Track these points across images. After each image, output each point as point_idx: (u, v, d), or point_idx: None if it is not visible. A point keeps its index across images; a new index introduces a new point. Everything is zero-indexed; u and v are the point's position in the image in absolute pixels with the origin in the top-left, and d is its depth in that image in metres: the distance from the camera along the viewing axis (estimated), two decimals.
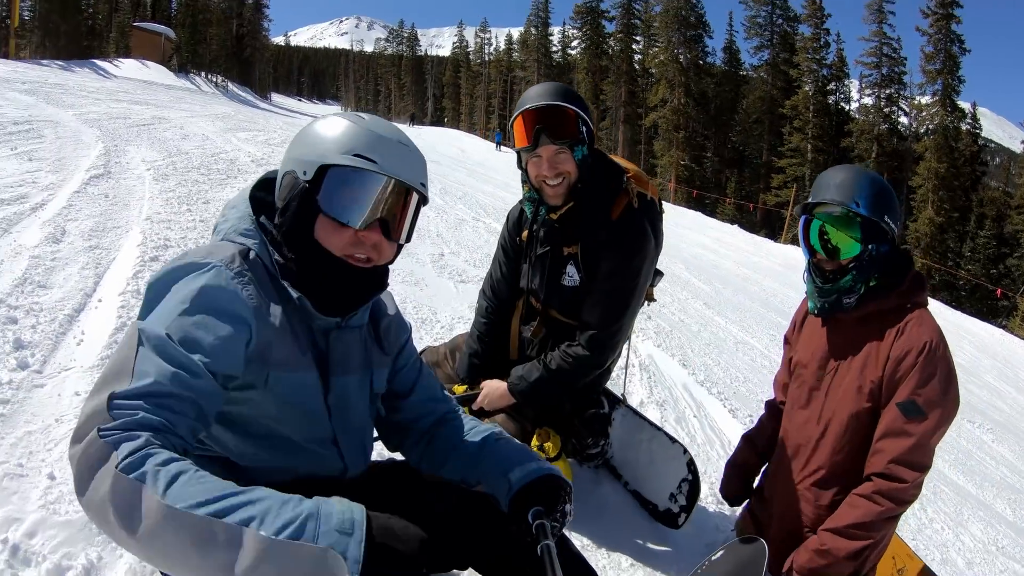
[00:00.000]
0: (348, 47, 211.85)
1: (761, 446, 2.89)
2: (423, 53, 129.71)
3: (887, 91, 46.38)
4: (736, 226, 28.31)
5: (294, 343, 1.66)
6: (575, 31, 63.16)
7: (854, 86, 49.74)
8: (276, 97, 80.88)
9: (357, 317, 1.81)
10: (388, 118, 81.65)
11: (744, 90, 53.05)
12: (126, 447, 1.17)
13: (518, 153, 2.90)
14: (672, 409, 4.85)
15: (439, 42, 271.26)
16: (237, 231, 1.71)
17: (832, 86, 48.48)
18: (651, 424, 3.38)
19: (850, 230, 2.34)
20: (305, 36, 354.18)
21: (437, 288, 6.35)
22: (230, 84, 57.22)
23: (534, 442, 2.98)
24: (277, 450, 1.70)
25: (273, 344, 1.60)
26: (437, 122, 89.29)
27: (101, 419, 1.22)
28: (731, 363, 6.73)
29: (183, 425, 1.32)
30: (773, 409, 2.89)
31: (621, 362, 3.35)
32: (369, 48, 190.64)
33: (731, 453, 3.05)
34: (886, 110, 46.25)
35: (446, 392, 2.14)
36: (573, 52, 65.07)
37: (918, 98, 45.87)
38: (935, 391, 2.26)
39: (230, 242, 1.68)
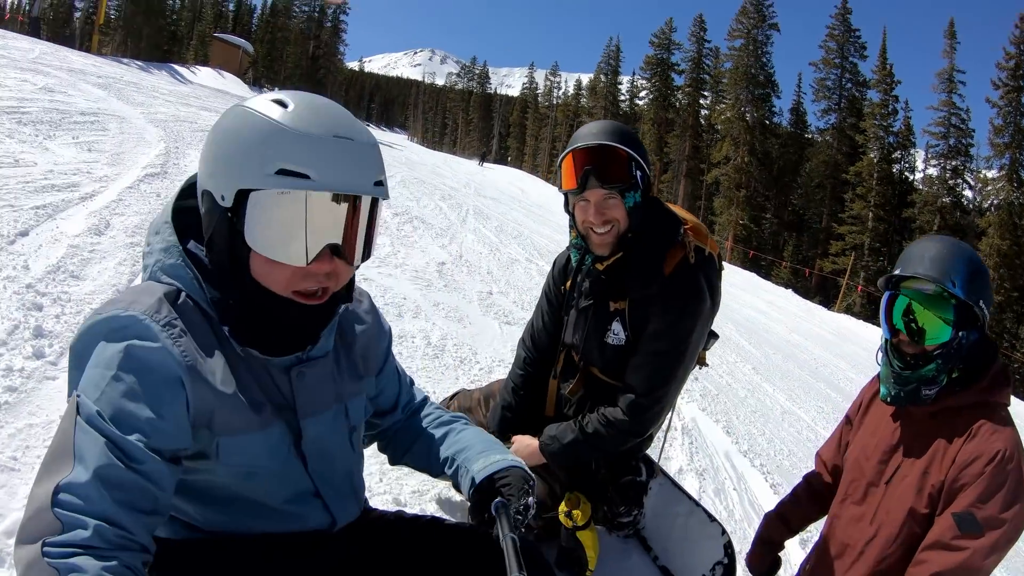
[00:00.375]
0: (420, 78, 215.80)
1: (795, 524, 2.65)
2: (492, 91, 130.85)
3: (953, 162, 44.81)
4: (790, 290, 27.76)
5: (245, 400, 1.40)
6: (644, 81, 63.24)
7: (919, 155, 48.49)
8: None
9: (320, 345, 1.53)
10: (453, 152, 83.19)
11: (808, 153, 52.22)
12: None
13: (565, 196, 2.71)
14: (712, 479, 4.61)
15: (509, 81, 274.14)
16: (163, 268, 1.40)
17: (897, 154, 47.18)
18: (689, 498, 3.17)
19: (942, 312, 2.05)
20: (379, 63, 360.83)
21: (481, 327, 6.20)
22: None
23: (562, 507, 2.78)
24: (248, 515, 1.49)
25: (215, 407, 1.35)
26: (500, 160, 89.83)
27: (47, 521, 1.13)
28: (776, 434, 6.44)
29: (138, 526, 1.20)
30: (811, 485, 2.62)
31: (665, 426, 3.17)
32: (440, 81, 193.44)
33: (760, 527, 2.78)
34: (951, 182, 44.66)
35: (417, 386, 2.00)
36: (640, 102, 65.10)
37: (984, 172, 44.43)
38: (999, 507, 1.95)
39: (156, 282, 1.40)
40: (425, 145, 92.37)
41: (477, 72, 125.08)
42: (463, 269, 8.24)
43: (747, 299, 18.19)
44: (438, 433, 1.86)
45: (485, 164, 45.99)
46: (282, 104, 1.33)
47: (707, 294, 2.70)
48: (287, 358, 1.48)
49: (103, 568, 1.10)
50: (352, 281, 1.57)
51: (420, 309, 6.05)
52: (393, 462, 1.96)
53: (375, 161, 1.39)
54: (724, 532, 2.94)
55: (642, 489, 3.09)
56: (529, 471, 1.73)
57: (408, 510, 2.41)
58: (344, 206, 1.34)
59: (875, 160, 46.05)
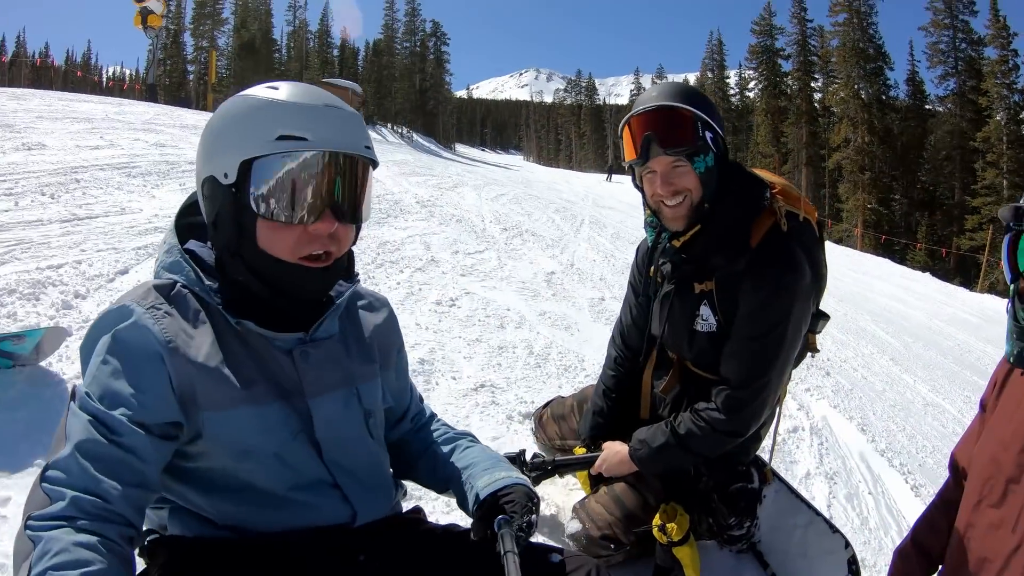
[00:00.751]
0: (528, 98, 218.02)
1: (937, 554, 2.03)
2: (601, 102, 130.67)
3: None
4: (927, 273, 26.11)
5: (232, 375, 1.42)
6: (751, 72, 61.42)
7: None
8: (460, 147, 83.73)
9: (325, 327, 1.55)
10: (570, 167, 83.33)
11: (931, 124, 48.79)
12: (41, 552, 1.15)
13: (631, 168, 2.44)
14: (844, 483, 4.19)
15: (617, 91, 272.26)
16: (163, 266, 1.50)
17: None
18: (809, 506, 2.81)
19: None
20: (487, 89, 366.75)
21: (589, 334, 5.93)
22: (415, 135, 60.20)
23: (656, 520, 2.47)
24: (256, 505, 1.47)
25: (197, 381, 1.38)
26: (617, 171, 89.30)
27: (38, 497, 1.23)
28: (918, 429, 5.89)
29: (119, 497, 1.25)
30: (948, 503, 2.03)
31: (773, 423, 2.81)
32: (548, 99, 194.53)
33: (892, 563, 2.18)
34: None
35: (425, 401, 2.00)
36: (750, 94, 63.34)
37: None
38: None
39: (153, 279, 1.50)
40: (541, 163, 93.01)
41: (583, 85, 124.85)
42: (574, 277, 8.05)
43: (881, 286, 17.27)
44: (444, 449, 1.84)
45: (614, 178, 44.53)
46: (274, 88, 1.45)
47: (805, 266, 2.36)
48: (289, 340, 1.50)
49: (76, 542, 1.16)
50: (352, 258, 1.63)
51: (524, 319, 5.90)
52: (398, 475, 1.88)
53: (362, 128, 1.48)
54: (848, 545, 2.58)
55: (755, 497, 2.75)
56: (533, 488, 1.68)
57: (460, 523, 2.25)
58: (340, 167, 1.42)
59: (1002, 122, 42.58)
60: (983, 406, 2.02)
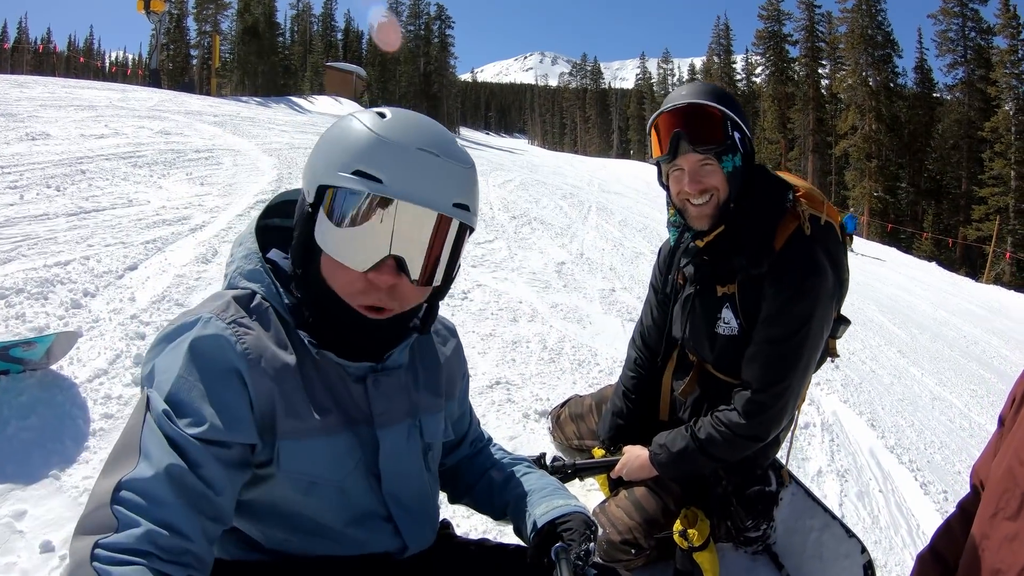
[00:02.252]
0: (533, 82, 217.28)
1: (954, 562, 1.99)
2: (607, 86, 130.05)
3: None
4: (934, 263, 26.09)
5: (310, 403, 1.36)
6: (758, 57, 61.12)
7: None
8: (464, 131, 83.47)
9: (394, 358, 1.48)
10: (574, 151, 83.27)
11: (939, 112, 48.71)
12: None
13: (658, 166, 2.43)
14: (855, 481, 4.19)
15: (622, 75, 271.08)
16: (241, 273, 1.42)
17: None
18: (825, 510, 2.79)
19: None
20: (491, 72, 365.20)
21: (602, 327, 5.94)
22: None
23: (677, 526, 2.48)
24: (310, 534, 1.43)
25: (277, 406, 1.32)
26: (623, 155, 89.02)
27: (104, 517, 1.11)
28: (926, 423, 5.89)
29: (196, 531, 1.17)
30: (968, 514, 1.97)
31: (792, 426, 2.79)
32: (553, 82, 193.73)
33: (913, 573, 2.04)
34: None
35: (485, 432, 1.95)
36: (757, 79, 63.01)
37: None
38: None
39: (232, 288, 1.42)
40: (546, 147, 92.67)
41: (589, 69, 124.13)
42: (584, 267, 8.05)
43: (888, 276, 17.25)
44: (502, 475, 1.79)
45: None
46: (382, 115, 1.35)
47: (828, 269, 2.34)
48: (362, 367, 1.44)
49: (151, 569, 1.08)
50: (431, 312, 1.53)
51: (536, 312, 5.88)
52: (453, 500, 1.87)
53: (461, 183, 1.36)
54: (864, 550, 2.57)
55: (772, 500, 2.75)
56: (592, 517, 1.64)
57: (491, 537, 2.23)
58: (415, 219, 1.31)
59: (1011, 112, 42.43)
60: (1001, 421, 2.00)
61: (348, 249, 1.30)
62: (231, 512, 1.28)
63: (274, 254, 1.50)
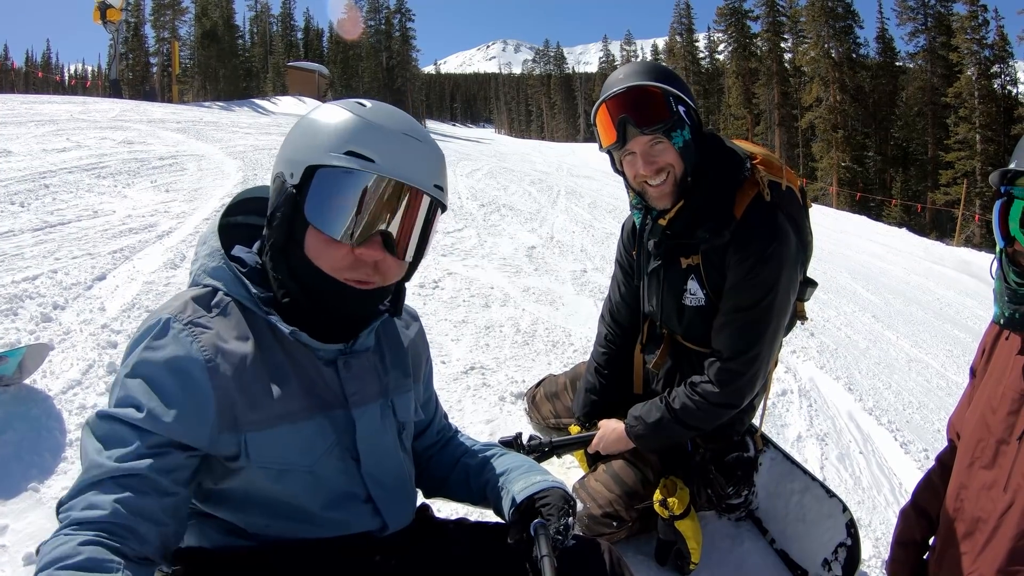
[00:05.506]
0: (496, 70, 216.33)
1: (935, 515, 2.07)
2: (571, 71, 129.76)
3: None
4: (904, 229, 26.26)
5: (276, 391, 1.39)
6: (720, 34, 61.18)
7: (1020, 67, 44.82)
8: (431, 123, 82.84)
9: (362, 340, 1.52)
10: (541, 138, 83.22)
11: (902, 81, 48.85)
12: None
13: (610, 154, 2.44)
14: (835, 444, 4.22)
15: (586, 59, 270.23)
16: (205, 271, 1.46)
17: (996, 68, 43.45)
18: (804, 472, 2.84)
19: None
20: (454, 63, 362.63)
21: (575, 307, 5.94)
22: None
23: (656, 496, 2.50)
24: (290, 520, 1.46)
25: (239, 401, 1.34)
26: (590, 138, 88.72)
27: (57, 542, 1.15)
28: (903, 385, 5.94)
29: (140, 527, 1.21)
30: (947, 467, 2.06)
31: (774, 389, 2.81)
32: (517, 70, 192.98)
33: (896, 526, 2.24)
34: None
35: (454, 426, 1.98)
36: (720, 56, 63.15)
37: None
38: None
39: (195, 286, 1.45)
40: (513, 135, 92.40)
41: (552, 55, 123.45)
42: (555, 250, 8.05)
43: (859, 244, 17.37)
44: (476, 459, 1.82)
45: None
46: (362, 104, 1.44)
47: (790, 233, 2.38)
48: (331, 351, 1.48)
49: (80, 543, 1.13)
50: (401, 294, 1.61)
51: (508, 297, 5.89)
52: (429, 495, 1.88)
53: (439, 166, 1.47)
54: (846, 509, 2.61)
55: (751, 465, 2.79)
56: (570, 492, 1.66)
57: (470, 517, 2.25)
58: (401, 199, 1.40)
59: (973, 77, 42.75)
60: (973, 372, 2.05)
61: (339, 224, 1.36)
62: (182, 509, 1.32)
63: (239, 250, 1.53)
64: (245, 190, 1.62)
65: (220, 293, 1.42)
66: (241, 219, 1.60)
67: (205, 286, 1.44)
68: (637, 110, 2.27)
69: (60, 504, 1.21)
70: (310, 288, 1.41)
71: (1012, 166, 1.70)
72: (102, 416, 1.27)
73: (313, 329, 1.43)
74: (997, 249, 1.77)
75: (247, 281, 1.43)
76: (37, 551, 1.16)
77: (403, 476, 1.64)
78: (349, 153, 1.35)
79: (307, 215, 1.38)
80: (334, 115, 1.40)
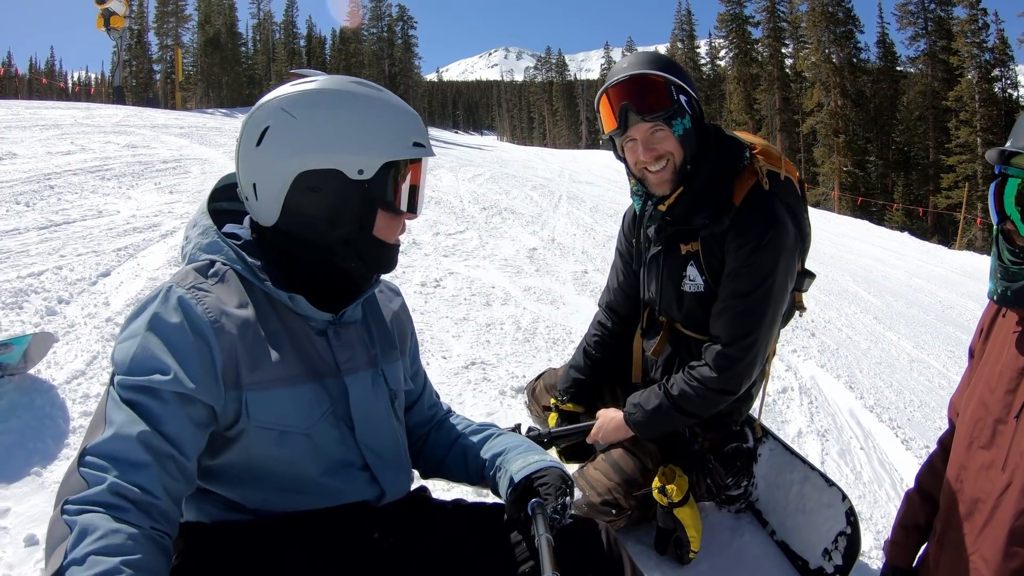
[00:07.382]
0: (499, 78, 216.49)
1: (938, 497, 2.04)
2: (572, 78, 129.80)
3: None
4: (906, 233, 26.23)
5: (274, 353, 1.46)
6: (721, 40, 61.22)
7: (1020, 70, 44.84)
8: (433, 131, 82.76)
9: (350, 313, 1.61)
10: (543, 145, 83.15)
11: (903, 85, 48.88)
12: (78, 536, 1.13)
13: (612, 141, 2.48)
14: (835, 440, 4.23)
15: (587, 66, 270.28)
16: (199, 247, 1.53)
17: (997, 71, 43.49)
18: (804, 462, 2.83)
19: None
20: (456, 71, 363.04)
21: (576, 307, 6.00)
22: None
23: (655, 483, 2.51)
24: (288, 492, 1.50)
25: (242, 361, 1.41)
26: (593, 145, 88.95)
27: (74, 482, 1.20)
28: (904, 384, 5.93)
29: (157, 486, 1.25)
30: (948, 450, 2.04)
31: (774, 386, 2.83)
32: (519, 77, 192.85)
33: (899, 510, 2.23)
34: None
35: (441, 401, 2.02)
36: (721, 63, 63.21)
37: None
38: None
39: (192, 263, 1.51)
40: (515, 142, 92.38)
41: (554, 62, 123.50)
42: (556, 252, 8.09)
43: (861, 248, 17.36)
44: (473, 439, 1.86)
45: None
46: (378, 89, 1.59)
47: (788, 222, 2.41)
48: (320, 322, 1.55)
49: (115, 529, 1.15)
50: None
51: (509, 295, 5.94)
52: (427, 475, 1.93)
53: None
54: (845, 498, 2.61)
55: (750, 456, 2.81)
56: (567, 472, 1.68)
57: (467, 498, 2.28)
58: (424, 166, 1.62)
59: (974, 81, 42.74)
60: (972, 353, 2.06)
61: (411, 203, 1.58)
62: (194, 472, 1.36)
63: (230, 227, 1.62)
64: (226, 176, 1.70)
65: (218, 263, 1.49)
66: (226, 205, 1.68)
67: (201, 261, 1.50)
68: (639, 98, 2.32)
69: (85, 453, 1.24)
70: (373, 259, 1.59)
71: (1008, 146, 1.72)
72: (127, 387, 1.31)
73: (317, 292, 1.53)
74: (994, 228, 1.77)
75: (243, 252, 1.50)
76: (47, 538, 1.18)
77: (398, 445, 1.69)
78: (416, 144, 1.54)
79: (384, 201, 1.53)
80: (383, 109, 1.54)
